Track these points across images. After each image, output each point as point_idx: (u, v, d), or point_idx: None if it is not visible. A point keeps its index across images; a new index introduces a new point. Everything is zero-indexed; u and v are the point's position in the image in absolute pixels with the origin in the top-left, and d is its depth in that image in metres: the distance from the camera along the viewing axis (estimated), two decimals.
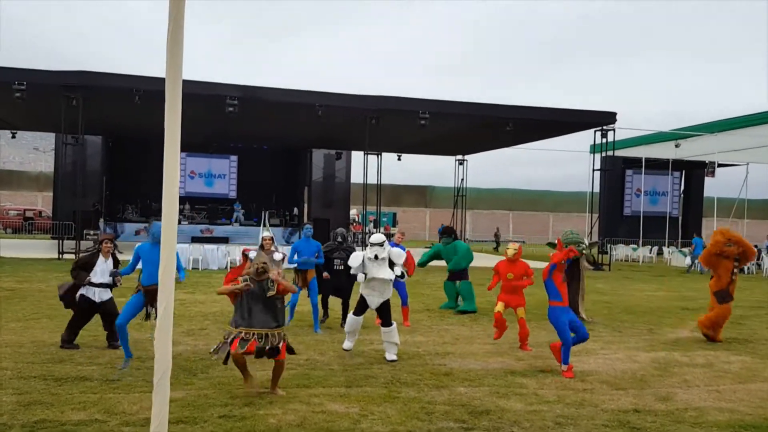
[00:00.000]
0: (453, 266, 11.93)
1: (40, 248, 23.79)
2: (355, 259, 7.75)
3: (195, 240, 25.94)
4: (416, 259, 10.46)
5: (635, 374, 7.30)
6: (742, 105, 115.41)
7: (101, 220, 31.26)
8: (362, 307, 7.67)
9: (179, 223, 31.12)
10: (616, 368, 7.52)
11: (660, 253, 32.42)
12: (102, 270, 7.50)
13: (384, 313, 7.57)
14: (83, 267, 7.56)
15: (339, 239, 9.77)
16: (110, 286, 7.51)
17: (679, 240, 36.36)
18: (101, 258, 7.52)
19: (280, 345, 5.76)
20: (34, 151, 55.11)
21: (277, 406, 5.50)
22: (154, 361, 6.76)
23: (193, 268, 18.24)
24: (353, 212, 39.64)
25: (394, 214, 48.33)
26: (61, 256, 20.36)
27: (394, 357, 7.46)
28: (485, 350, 8.33)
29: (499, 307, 8.62)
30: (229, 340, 5.72)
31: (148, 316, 7.09)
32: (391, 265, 7.69)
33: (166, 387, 3.48)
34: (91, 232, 30.13)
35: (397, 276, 7.75)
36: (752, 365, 8.02)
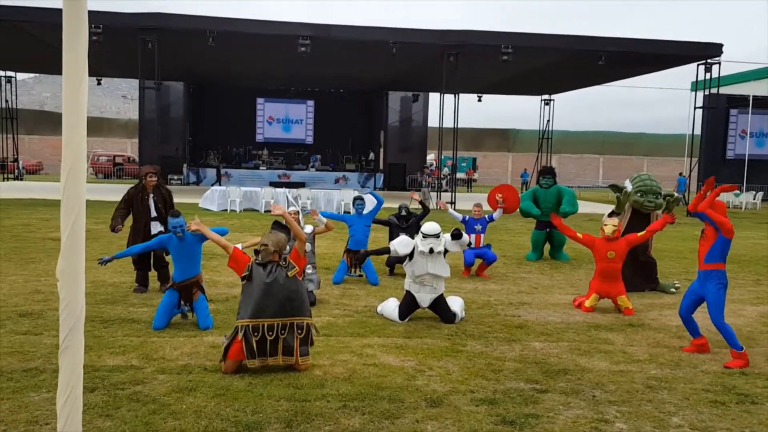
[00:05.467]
0: (563, 209, 10.29)
1: None
2: (404, 245, 6.36)
3: (272, 185, 25.98)
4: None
5: (740, 331, 6.32)
6: None
7: (185, 165, 31.98)
8: (410, 307, 6.30)
9: (257, 168, 31.56)
10: None
11: (766, 199, 29.80)
12: (153, 203, 7.24)
13: (441, 309, 6.31)
14: (128, 205, 7.28)
15: (403, 213, 9.00)
16: (163, 222, 7.17)
17: None
18: (149, 192, 7.23)
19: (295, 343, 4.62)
20: (125, 99, 57.22)
21: (326, 356, 4.99)
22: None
23: (265, 211, 18.15)
24: (431, 157, 38.63)
25: (474, 159, 46.90)
26: None
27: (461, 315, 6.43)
28: (566, 301, 7.51)
29: (591, 300, 7.00)
30: (229, 339, 4.68)
31: (184, 315, 5.98)
32: (446, 253, 6.38)
33: (77, 347, 2.67)
34: (175, 177, 30.97)
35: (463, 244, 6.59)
36: None
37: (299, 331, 4.64)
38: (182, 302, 5.90)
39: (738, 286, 8.86)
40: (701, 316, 6.52)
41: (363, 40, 20.35)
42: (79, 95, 2.50)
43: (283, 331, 4.61)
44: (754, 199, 28.70)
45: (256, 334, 4.56)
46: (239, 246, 5.35)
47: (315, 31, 19.83)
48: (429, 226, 6.36)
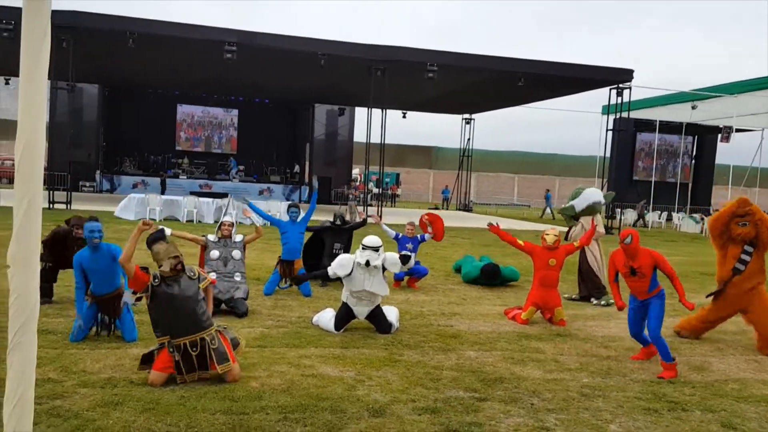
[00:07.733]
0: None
1: None
2: (343, 267, 6.20)
3: (193, 194, 25.11)
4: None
5: None
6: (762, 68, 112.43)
7: (98, 171, 30.49)
8: (346, 317, 6.18)
9: (177, 177, 30.49)
10: None
11: (669, 218, 31.66)
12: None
13: (378, 320, 6.21)
14: (57, 246, 6.67)
15: (338, 222, 8.69)
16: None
17: (688, 206, 35.53)
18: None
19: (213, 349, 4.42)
20: None
21: (262, 367, 4.80)
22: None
23: (187, 221, 17.54)
24: (356, 172, 38.70)
25: (398, 175, 47.39)
26: (51, 206, 19.64)
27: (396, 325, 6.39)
28: (496, 312, 7.62)
29: (528, 313, 7.00)
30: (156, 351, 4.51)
31: (108, 329, 5.54)
32: (384, 271, 6.26)
33: (29, 345, 2.42)
34: (87, 184, 29.47)
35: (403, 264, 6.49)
36: None
37: (213, 342, 4.45)
38: (102, 316, 5.50)
39: None
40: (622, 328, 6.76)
41: (291, 50, 20.14)
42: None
43: (213, 343, 4.42)
44: (659, 218, 30.44)
45: (178, 351, 4.37)
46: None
47: (241, 37, 19.41)
48: (370, 239, 6.29)
